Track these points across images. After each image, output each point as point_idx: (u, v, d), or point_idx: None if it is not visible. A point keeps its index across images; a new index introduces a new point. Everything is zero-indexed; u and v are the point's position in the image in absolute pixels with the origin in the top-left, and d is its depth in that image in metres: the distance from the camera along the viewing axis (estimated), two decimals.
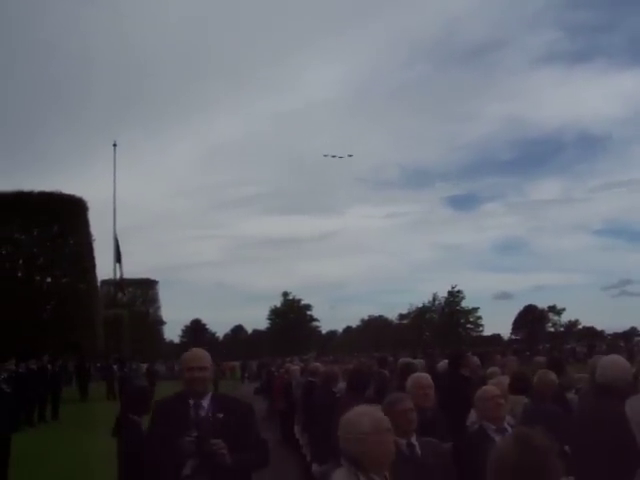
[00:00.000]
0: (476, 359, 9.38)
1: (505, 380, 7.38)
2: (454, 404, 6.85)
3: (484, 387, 5.15)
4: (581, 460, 4.60)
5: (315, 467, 7.75)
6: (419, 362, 9.71)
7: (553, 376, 6.63)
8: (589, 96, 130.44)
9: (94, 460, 10.91)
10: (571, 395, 7.23)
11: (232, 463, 3.91)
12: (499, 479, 2.38)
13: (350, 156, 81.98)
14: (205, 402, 4.16)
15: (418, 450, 4.15)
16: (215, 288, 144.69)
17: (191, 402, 4.14)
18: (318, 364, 12.83)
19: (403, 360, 9.21)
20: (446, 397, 6.79)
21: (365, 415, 3.37)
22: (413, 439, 4.19)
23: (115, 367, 29.57)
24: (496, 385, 5.60)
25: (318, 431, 7.99)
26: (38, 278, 31.38)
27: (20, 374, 18.02)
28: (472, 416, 6.32)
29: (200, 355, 4.30)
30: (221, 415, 4.09)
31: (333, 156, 75.71)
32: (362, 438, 3.28)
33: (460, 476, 4.21)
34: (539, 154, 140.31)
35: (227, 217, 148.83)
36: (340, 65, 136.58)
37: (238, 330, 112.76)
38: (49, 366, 23.27)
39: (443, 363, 9.59)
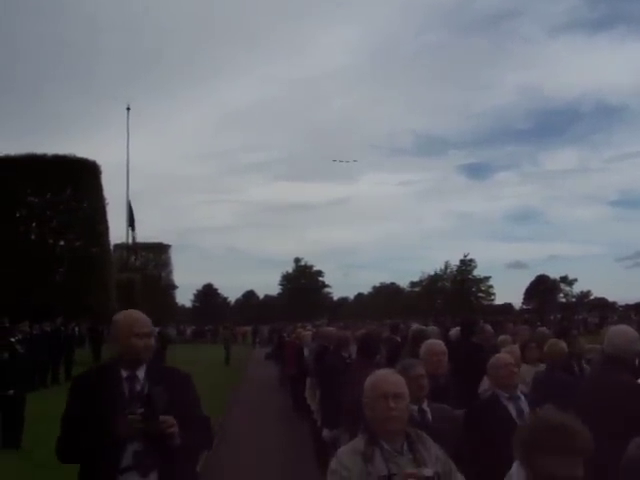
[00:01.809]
0: (489, 327, 9.38)
1: (517, 349, 7.39)
2: (466, 371, 6.87)
3: (497, 355, 5.14)
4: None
5: (325, 432, 7.79)
6: (432, 329, 9.69)
7: (563, 345, 6.63)
8: (607, 65, 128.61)
9: None
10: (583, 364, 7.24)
11: (180, 445, 3.34)
12: None
13: (355, 161, 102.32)
14: (140, 374, 3.53)
15: (429, 416, 4.16)
16: (227, 253, 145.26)
17: (124, 374, 3.51)
18: (331, 328, 12.82)
19: (416, 327, 9.16)
20: (458, 364, 6.78)
21: (369, 380, 3.37)
22: (425, 405, 4.20)
23: None
24: (509, 353, 5.60)
25: (328, 396, 8.02)
26: (51, 241, 31.46)
27: (34, 336, 18.21)
28: (484, 384, 6.33)
29: (145, 318, 3.64)
30: (161, 389, 3.44)
31: (341, 161, 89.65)
32: (366, 402, 3.30)
33: (473, 443, 4.22)
34: (555, 123, 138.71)
35: (240, 182, 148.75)
36: (355, 31, 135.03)
37: (249, 295, 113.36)
38: (62, 328, 23.46)
39: (455, 331, 9.59)
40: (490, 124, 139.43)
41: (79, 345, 30.72)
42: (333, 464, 3.18)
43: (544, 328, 9.01)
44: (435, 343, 5.56)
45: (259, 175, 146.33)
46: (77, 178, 31.53)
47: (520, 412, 4.51)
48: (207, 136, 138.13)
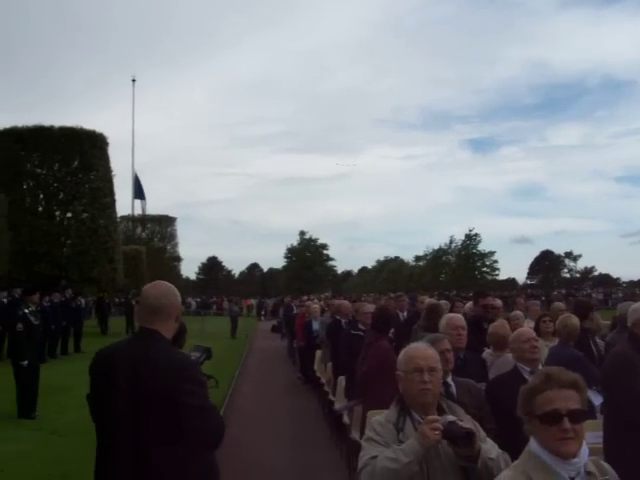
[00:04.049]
0: (499, 301, 9.39)
1: (530, 323, 7.41)
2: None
3: (520, 329, 5.14)
4: (607, 401, 4.67)
5: (339, 403, 7.87)
6: (445, 303, 9.70)
7: (576, 320, 6.61)
8: (614, 40, 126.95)
9: None
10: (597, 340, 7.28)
11: None
12: None
13: (354, 165, 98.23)
14: None
15: (454, 390, 4.20)
16: (232, 226, 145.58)
17: None
18: (345, 301, 12.84)
19: (429, 300, 9.16)
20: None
21: (404, 353, 3.42)
22: (449, 379, 4.24)
23: (134, 302, 29.86)
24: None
25: (344, 367, 8.09)
26: (58, 213, 31.46)
27: (44, 307, 18.32)
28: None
29: None
30: None
31: (343, 165, 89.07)
32: (399, 375, 3.34)
33: (494, 416, 4.26)
34: (561, 98, 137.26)
35: (245, 155, 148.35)
36: (361, 4, 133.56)
37: (254, 268, 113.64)
38: (72, 300, 23.56)
39: (469, 305, 9.58)
40: (495, 99, 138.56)
41: (86, 317, 30.84)
42: (367, 432, 3.27)
43: (560, 303, 8.97)
44: (455, 317, 5.57)
45: (264, 148, 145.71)
46: (84, 150, 31.48)
47: None
48: (212, 109, 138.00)
